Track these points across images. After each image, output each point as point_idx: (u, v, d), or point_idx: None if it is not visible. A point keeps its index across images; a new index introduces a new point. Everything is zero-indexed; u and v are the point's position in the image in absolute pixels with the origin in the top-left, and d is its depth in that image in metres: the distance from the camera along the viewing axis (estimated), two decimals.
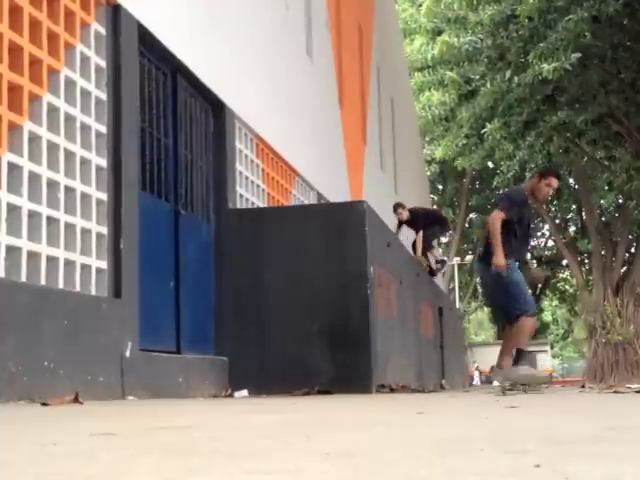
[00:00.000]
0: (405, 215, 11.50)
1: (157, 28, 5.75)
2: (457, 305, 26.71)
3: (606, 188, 19.46)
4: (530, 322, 6.82)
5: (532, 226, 6.94)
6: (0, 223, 4.00)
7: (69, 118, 4.70)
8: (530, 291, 6.53)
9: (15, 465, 1.06)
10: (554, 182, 6.94)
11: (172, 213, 6.18)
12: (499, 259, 6.55)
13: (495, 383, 6.95)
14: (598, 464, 0.98)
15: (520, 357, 6.65)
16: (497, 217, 6.73)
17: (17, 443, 1.45)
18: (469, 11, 14.74)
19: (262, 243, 6.73)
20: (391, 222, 10.70)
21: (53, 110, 4.56)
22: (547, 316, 46.05)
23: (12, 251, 4.08)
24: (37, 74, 4.42)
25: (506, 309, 6.85)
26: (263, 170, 8.12)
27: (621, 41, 14.28)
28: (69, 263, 4.56)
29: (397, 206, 11.70)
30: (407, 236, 12.49)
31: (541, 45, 12.90)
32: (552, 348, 39.87)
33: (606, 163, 17.97)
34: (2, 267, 3.98)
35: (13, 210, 4.12)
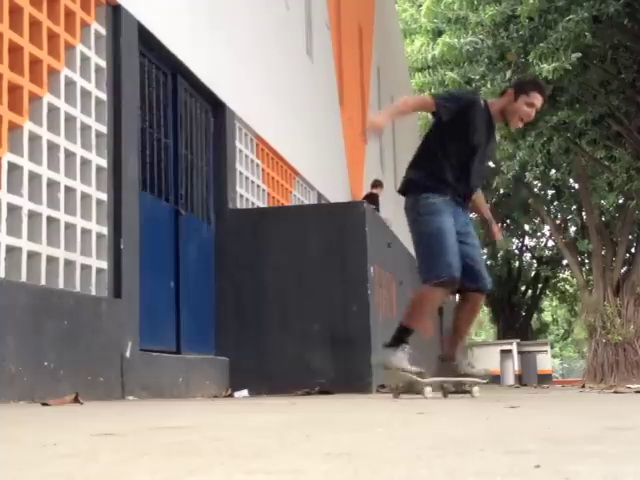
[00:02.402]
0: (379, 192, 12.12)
1: (157, 28, 5.75)
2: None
3: (606, 188, 19.46)
4: (433, 294, 4.40)
5: (486, 155, 4.68)
6: (0, 223, 4.00)
7: (69, 118, 4.70)
8: (453, 246, 4.34)
9: (15, 465, 1.06)
10: (537, 99, 4.56)
11: (172, 213, 6.18)
12: (376, 116, 4.64)
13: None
14: (598, 464, 0.98)
15: (399, 336, 4.43)
16: (420, 96, 4.96)
17: (17, 443, 1.45)
18: (469, 11, 14.74)
19: (262, 243, 6.73)
20: (390, 218, 10.68)
21: (53, 110, 4.56)
22: (547, 316, 46.04)
23: (12, 251, 4.08)
24: (37, 74, 4.42)
25: (418, 266, 4.58)
26: (263, 170, 8.11)
27: (621, 41, 14.28)
28: (69, 263, 4.56)
29: (378, 183, 12.22)
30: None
31: (541, 45, 12.90)
32: (552, 348, 39.88)
33: (606, 163, 17.97)
34: (2, 267, 3.98)
35: (13, 210, 4.12)
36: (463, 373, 4.58)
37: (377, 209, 12.02)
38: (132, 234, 5.17)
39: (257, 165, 7.95)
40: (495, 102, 4.72)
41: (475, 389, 4.56)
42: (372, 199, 12.08)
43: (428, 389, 4.30)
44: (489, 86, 14.76)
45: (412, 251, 4.67)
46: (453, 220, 4.42)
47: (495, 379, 29.05)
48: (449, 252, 4.35)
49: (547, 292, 38.06)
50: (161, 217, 6.01)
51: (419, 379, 4.35)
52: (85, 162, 4.83)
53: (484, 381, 4.74)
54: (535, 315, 40.14)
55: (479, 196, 5.02)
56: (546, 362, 31.90)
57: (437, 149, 4.50)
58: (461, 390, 4.58)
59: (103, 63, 5.09)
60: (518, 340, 32.44)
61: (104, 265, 4.89)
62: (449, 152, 4.48)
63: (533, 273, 36.64)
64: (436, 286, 4.36)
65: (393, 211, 12.43)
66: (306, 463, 1.02)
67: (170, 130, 6.27)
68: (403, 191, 4.60)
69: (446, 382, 4.57)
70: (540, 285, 36.67)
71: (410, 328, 4.45)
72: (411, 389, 4.42)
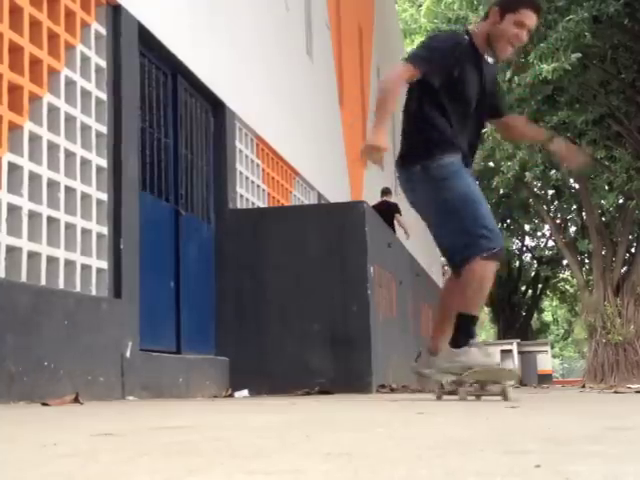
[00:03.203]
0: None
1: (157, 28, 5.75)
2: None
3: (606, 188, 19.47)
4: (488, 268, 3.73)
5: (486, 100, 3.99)
6: (0, 223, 4.00)
7: (69, 118, 4.70)
8: (488, 211, 3.84)
9: (15, 465, 1.06)
10: (529, 17, 3.89)
11: (172, 213, 6.18)
12: (374, 138, 3.70)
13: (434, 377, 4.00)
14: (598, 464, 0.98)
15: (464, 330, 3.78)
16: (399, 71, 3.88)
17: (17, 443, 1.45)
18: (469, 11, 14.74)
19: (262, 243, 6.73)
20: (412, 222, 10.71)
21: (53, 110, 4.56)
22: (547, 316, 46.05)
23: (12, 251, 4.08)
24: (37, 74, 4.42)
25: (446, 246, 3.90)
26: (263, 170, 8.12)
27: (621, 41, 14.28)
28: (69, 263, 4.56)
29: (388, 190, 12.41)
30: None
31: (541, 45, 12.90)
32: (552, 348, 39.89)
33: (606, 163, 17.98)
34: (2, 267, 3.98)
35: (13, 210, 4.12)
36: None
37: (393, 216, 12.13)
38: (132, 234, 5.17)
39: (257, 165, 7.95)
40: (479, 29, 3.99)
41: (510, 390, 3.79)
42: (390, 207, 12.17)
43: (511, 388, 3.81)
44: None
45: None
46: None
47: None
48: (489, 218, 3.78)
49: (547, 292, 38.08)
50: (161, 217, 6.01)
51: (518, 374, 4.07)
52: (85, 162, 4.83)
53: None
54: (535, 315, 40.15)
55: (518, 120, 4.44)
56: (546, 362, 31.91)
57: (435, 112, 3.88)
58: (491, 391, 3.78)
59: (103, 63, 5.09)
60: (518, 340, 32.45)
61: (104, 265, 4.89)
62: (449, 112, 3.89)
63: (533, 273, 36.65)
64: (487, 259, 3.69)
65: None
66: (306, 463, 1.02)
67: (170, 130, 6.27)
68: (404, 162, 3.90)
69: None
70: (540, 285, 36.68)
71: (475, 315, 3.83)
72: (485, 389, 3.75)
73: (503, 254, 3.83)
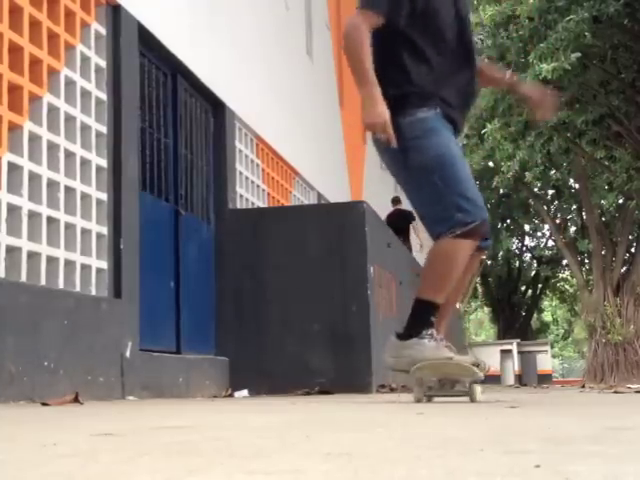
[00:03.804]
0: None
1: (157, 28, 5.75)
2: (457, 305, 26.75)
3: (606, 188, 19.47)
4: (460, 247, 3.13)
5: (467, 29, 3.43)
6: (0, 223, 4.00)
7: (69, 118, 4.70)
8: (469, 176, 3.25)
9: (15, 465, 1.06)
10: None
11: (172, 213, 6.18)
12: (369, 112, 3.18)
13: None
14: (598, 464, 0.98)
15: (418, 318, 3.21)
16: (358, 22, 3.21)
17: (17, 443, 1.45)
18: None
19: (262, 243, 6.73)
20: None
21: (53, 110, 4.56)
22: (547, 316, 46.05)
23: (12, 251, 4.08)
24: (37, 74, 4.42)
25: (423, 217, 3.36)
26: (263, 170, 8.12)
27: (621, 41, 14.28)
28: (69, 263, 4.56)
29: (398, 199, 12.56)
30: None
31: (541, 45, 12.90)
32: (552, 348, 39.90)
33: (606, 163, 17.98)
34: (2, 267, 3.98)
35: (13, 210, 4.12)
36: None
37: (408, 225, 12.21)
38: (132, 234, 5.17)
39: (257, 165, 7.95)
40: None
41: (479, 389, 3.21)
42: (405, 216, 12.26)
43: (479, 388, 3.12)
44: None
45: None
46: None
47: (495, 379, 29.06)
48: (468, 184, 3.17)
49: (547, 292, 38.08)
50: (161, 217, 6.01)
51: (480, 373, 3.13)
52: (85, 162, 4.83)
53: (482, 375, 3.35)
54: (535, 315, 40.15)
55: (487, 67, 3.75)
56: (546, 362, 31.89)
57: (404, 53, 3.26)
58: (455, 391, 3.28)
59: (103, 63, 5.09)
60: (518, 340, 32.43)
61: (104, 265, 4.89)
62: (423, 50, 3.25)
63: (533, 273, 36.66)
64: (461, 237, 3.11)
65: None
66: (306, 463, 1.02)
67: (170, 130, 6.27)
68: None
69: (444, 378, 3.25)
70: (540, 285, 36.68)
71: (433, 301, 3.18)
72: (448, 389, 3.22)
73: (485, 230, 3.17)
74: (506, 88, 4.08)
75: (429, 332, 3.17)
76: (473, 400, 3.08)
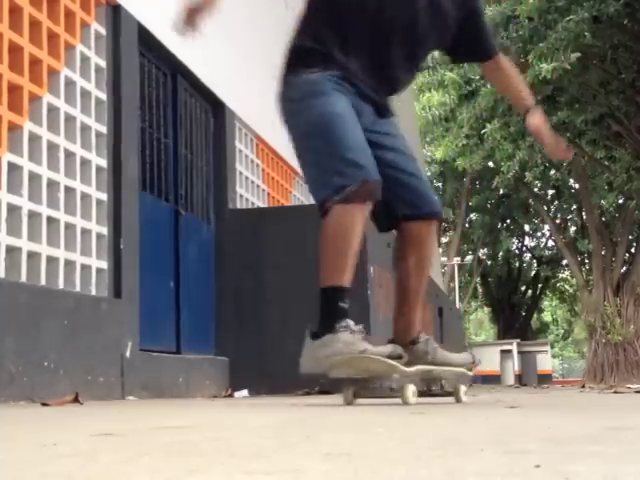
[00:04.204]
0: None
1: (157, 28, 5.75)
2: (457, 305, 26.78)
3: (606, 188, 19.48)
4: (343, 214, 2.74)
5: (438, 24, 3.00)
6: (0, 223, 4.01)
7: (69, 118, 4.71)
8: (357, 139, 2.80)
9: (15, 465, 1.06)
10: None
11: (172, 213, 6.18)
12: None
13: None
14: (598, 464, 0.98)
15: (324, 312, 2.92)
16: None
17: (17, 443, 1.45)
18: None
19: (262, 243, 6.73)
20: None
21: (53, 110, 4.56)
22: (547, 316, 46.06)
23: (12, 251, 4.08)
24: (37, 74, 4.42)
25: (307, 181, 3.00)
26: (263, 170, 8.12)
27: (621, 41, 14.29)
28: (69, 263, 4.56)
29: None
30: None
31: (541, 45, 12.91)
32: (552, 348, 39.91)
33: (606, 163, 17.98)
34: (2, 267, 3.98)
35: (13, 210, 4.12)
36: (435, 361, 3.03)
37: None
38: (132, 234, 5.17)
39: (257, 165, 7.95)
40: None
41: (464, 390, 3.05)
42: None
43: (411, 388, 2.75)
44: (489, 86, 14.76)
45: None
46: (354, 110, 2.84)
47: (495, 379, 29.05)
48: (350, 144, 2.74)
49: (547, 292, 38.10)
50: (161, 217, 6.01)
51: (401, 367, 2.75)
52: (85, 162, 4.83)
53: (471, 373, 3.20)
54: (535, 315, 40.18)
55: (503, 65, 3.23)
56: (546, 362, 31.90)
57: (324, 17, 2.95)
58: (439, 391, 3.06)
59: (103, 63, 5.09)
60: (518, 340, 32.44)
61: (104, 265, 4.89)
62: (343, 22, 2.92)
63: (533, 273, 36.67)
64: (343, 203, 2.70)
65: None
66: (306, 463, 1.02)
67: (170, 130, 6.27)
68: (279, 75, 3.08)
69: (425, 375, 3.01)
70: (540, 285, 36.69)
71: (337, 286, 2.85)
72: (372, 388, 2.89)
73: (368, 191, 2.74)
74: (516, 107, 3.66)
75: (343, 324, 2.79)
76: (406, 402, 2.75)
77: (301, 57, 2.95)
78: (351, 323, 2.82)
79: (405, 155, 3.05)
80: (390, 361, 2.70)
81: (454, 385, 3.04)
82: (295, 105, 2.93)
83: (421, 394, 2.95)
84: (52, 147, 4.51)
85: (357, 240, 2.79)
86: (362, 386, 2.89)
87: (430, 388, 3.06)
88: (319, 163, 2.80)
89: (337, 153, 2.74)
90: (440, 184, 32.66)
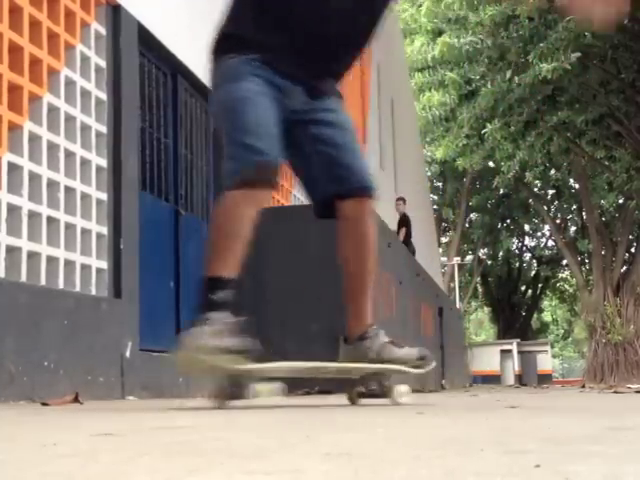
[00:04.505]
0: (399, 209, 12.56)
1: (157, 28, 5.75)
2: (457, 305, 26.78)
3: (606, 188, 19.49)
4: (231, 204, 2.69)
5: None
6: (0, 223, 4.01)
7: (69, 118, 4.71)
8: (264, 122, 2.64)
9: (15, 465, 1.06)
10: None
11: (172, 213, 6.18)
12: None
13: None
14: (598, 464, 0.98)
15: (198, 303, 2.81)
16: None
17: (17, 443, 1.45)
18: (469, 11, 14.75)
19: (262, 243, 6.72)
20: (391, 221, 10.76)
21: (53, 110, 4.56)
22: (547, 316, 46.08)
23: (12, 251, 4.08)
24: (37, 74, 4.42)
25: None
26: None
27: (621, 41, 14.29)
28: (69, 263, 4.56)
29: (399, 198, 12.77)
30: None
31: (541, 45, 12.91)
32: (552, 348, 39.92)
33: (606, 163, 17.99)
34: (2, 267, 3.98)
35: (13, 210, 4.12)
36: (378, 358, 2.88)
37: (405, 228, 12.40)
38: (132, 234, 5.17)
39: None
40: None
41: (401, 390, 2.80)
42: (404, 220, 12.51)
43: (265, 387, 2.52)
44: (489, 86, 14.77)
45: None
46: (269, 91, 2.68)
47: (495, 379, 29.06)
48: (250, 128, 2.63)
49: (547, 292, 38.11)
50: (161, 217, 6.01)
51: (230, 364, 2.48)
52: (85, 162, 4.83)
53: (419, 370, 2.90)
54: (535, 315, 40.20)
55: None
56: (546, 362, 31.90)
57: None
58: (372, 392, 2.87)
59: (103, 63, 5.09)
60: (518, 340, 32.44)
61: (104, 265, 4.89)
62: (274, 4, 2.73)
63: (533, 273, 36.68)
64: (234, 189, 2.64)
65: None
66: (306, 463, 1.02)
67: (170, 130, 6.27)
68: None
69: (323, 371, 2.87)
70: (540, 285, 36.71)
71: (214, 277, 2.76)
72: (223, 388, 2.65)
73: (259, 175, 2.65)
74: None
75: (207, 316, 2.64)
76: (393, 402, 2.68)
77: (220, 43, 2.82)
78: (220, 316, 2.60)
79: (343, 130, 2.90)
80: (224, 358, 2.45)
81: (387, 384, 2.80)
82: (214, 92, 2.83)
83: (362, 395, 2.85)
84: (52, 147, 4.51)
85: (244, 229, 2.71)
86: (235, 385, 2.65)
87: (369, 388, 2.87)
88: (227, 149, 2.70)
89: (236, 138, 2.66)
90: (440, 184, 32.69)
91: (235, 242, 2.69)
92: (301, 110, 2.79)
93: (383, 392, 2.78)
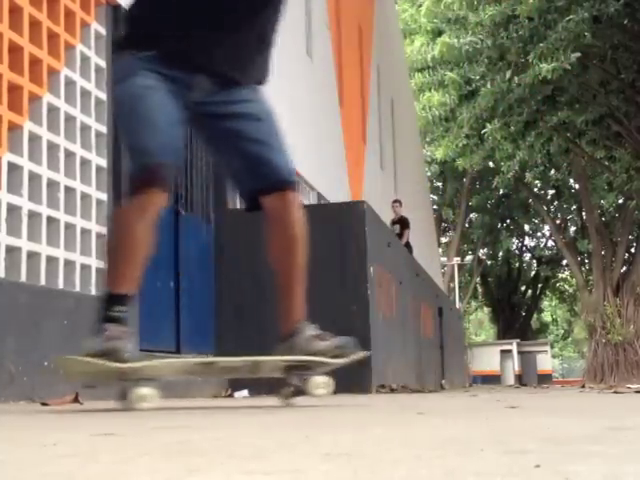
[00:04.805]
0: (397, 211, 12.59)
1: None
2: (457, 305, 26.79)
3: (606, 188, 19.50)
4: (125, 213, 2.87)
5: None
6: (0, 223, 4.00)
7: (69, 118, 4.70)
8: (159, 128, 2.58)
9: (15, 465, 1.06)
10: None
11: (172, 213, 6.18)
12: None
13: None
14: (598, 464, 0.98)
15: (101, 313, 2.80)
16: None
17: (17, 443, 1.45)
18: (469, 11, 14.75)
19: (262, 243, 6.72)
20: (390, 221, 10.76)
21: (53, 110, 4.56)
22: (547, 316, 46.07)
23: (12, 251, 4.08)
24: (37, 74, 4.42)
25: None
26: None
27: (621, 41, 14.30)
28: (69, 263, 4.56)
29: (396, 200, 12.78)
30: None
31: (541, 45, 12.91)
32: (552, 348, 39.92)
33: (606, 163, 17.99)
34: (2, 267, 3.98)
35: (13, 210, 4.12)
36: (302, 353, 2.78)
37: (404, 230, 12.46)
38: None
39: None
40: None
41: (317, 382, 2.74)
42: (406, 222, 12.56)
43: (144, 391, 2.55)
44: (489, 86, 14.77)
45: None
46: (164, 85, 2.57)
47: (495, 379, 29.06)
48: (139, 130, 2.56)
49: (547, 292, 38.10)
50: (161, 217, 6.01)
51: (114, 364, 2.48)
52: (85, 162, 4.83)
53: (339, 360, 2.85)
54: (535, 315, 40.19)
55: None
56: (546, 362, 31.89)
57: None
58: (298, 389, 2.78)
59: (103, 63, 5.09)
60: (518, 340, 32.43)
61: (104, 265, 4.89)
62: None
63: (533, 273, 36.67)
64: (131, 194, 2.71)
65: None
66: (305, 463, 1.02)
67: None
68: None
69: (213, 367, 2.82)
70: (540, 285, 36.70)
71: (114, 293, 2.75)
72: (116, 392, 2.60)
73: (149, 177, 2.66)
74: None
75: (104, 327, 2.73)
76: (309, 394, 2.65)
77: (118, 42, 2.80)
78: (114, 327, 2.68)
79: (260, 121, 2.82)
80: (96, 361, 2.49)
81: (306, 379, 2.73)
82: (114, 91, 2.78)
83: (293, 394, 2.79)
84: (52, 147, 4.51)
85: (140, 246, 2.75)
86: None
87: (292, 384, 2.78)
88: (129, 153, 2.68)
89: (129, 141, 2.64)
90: (440, 184, 32.68)
91: (132, 259, 2.69)
92: (210, 102, 2.70)
93: (305, 387, 2.71)
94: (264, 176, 2.73)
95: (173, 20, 2.63)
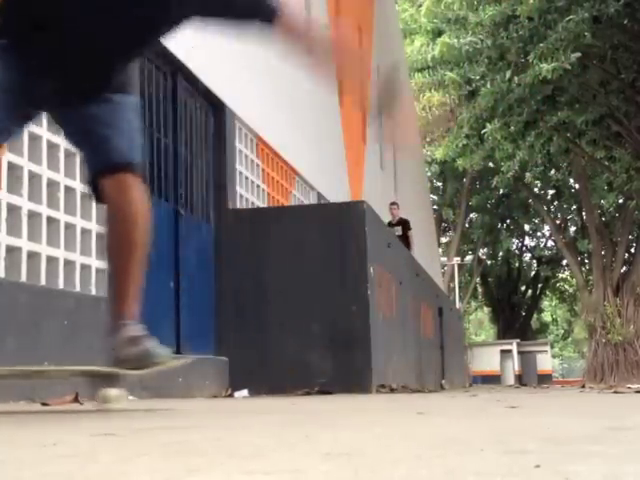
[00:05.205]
0: (396, 214, 12.60)
1: None
2: (457, 305, 26.79)
3: (606, 188, 19.49)
4: None
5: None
6: (0, 223, 4.00)
7: None
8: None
9: (14, 465, 1.06)
10: None
11: (172, 213, 6.18)
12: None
13: None
14: (598, 464, 0.98)
15: None
16: None
17: (16, 443, 1.45)
18: (469, 11, 14.75)
19: (262, 243, 6.72)
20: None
21: None
22: (547, 316, 46.06)
23: (12, 251, 4.08)
24: None
25: None
26: (263, 170, 8.12)
27: (621, 41, 14.30)
28: (69, 263, 4.56)
29: (393, 203, 12.80)
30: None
31: (541, 45, 12.91)
32: (552, 348, 39.91)
33: (606, 163, 17.99)
34: (2, 267, 3.98)
35: (13, 210, 4.12)
36: (116, 360, 2.52)
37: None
38: None
39: (257, 165, 7.95)
40: None
41: (108, 395, 2.57)
42: (408, 224, 12.58)
43: (110, 392, 2.50)
44: (489, 86, 14.77)
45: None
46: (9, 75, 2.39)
47: (495, 379, 29.06)
48: None
49: (547, 292, 38.10)
50: (160, 217, 6.00)
51: None
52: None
53: (136, 372, 2.53)
54: (535, 315, 40.19)
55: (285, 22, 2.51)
56: (546, 362, 31.89)
57: None
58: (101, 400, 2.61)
59: None
60: (518, 340, 32.43)
61: (104, 265, 4.89)
62: None
63: (533, 273, 36.67)
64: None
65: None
66: (306, 463, 1.02)
67: (170, 130, 6.27)
68: None
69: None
70: (540, 285, 36.70)
71: None
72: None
73: None
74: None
75: None
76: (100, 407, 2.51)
77: None
78: None
79: (115, 105, 2.56)
80: None
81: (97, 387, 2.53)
82: None
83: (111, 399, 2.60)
84: (52, 147, 4.51)
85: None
86: None
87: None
88: None
89: None
90: (440, 184, 32.68)
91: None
92: (58, 92, 2.51)
93: (96, 398, 2.53)
94: (102, 157, 2.55)
95: (25, 15, 2.44)
